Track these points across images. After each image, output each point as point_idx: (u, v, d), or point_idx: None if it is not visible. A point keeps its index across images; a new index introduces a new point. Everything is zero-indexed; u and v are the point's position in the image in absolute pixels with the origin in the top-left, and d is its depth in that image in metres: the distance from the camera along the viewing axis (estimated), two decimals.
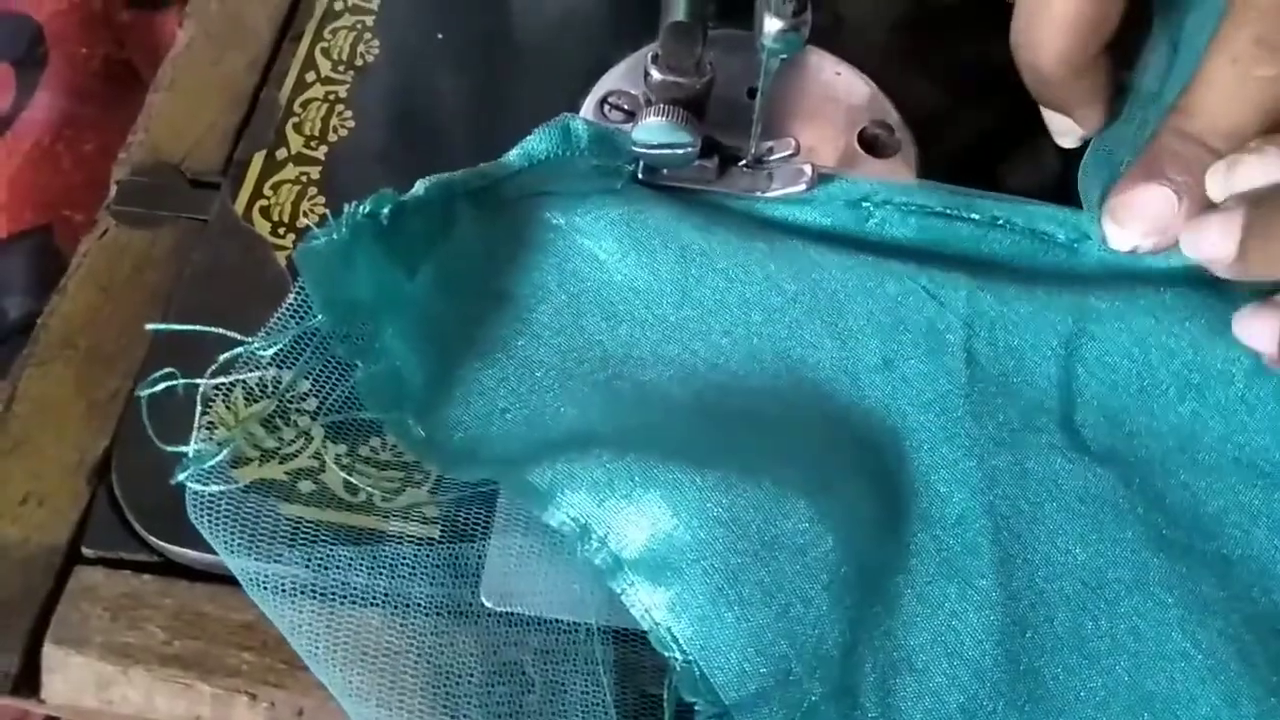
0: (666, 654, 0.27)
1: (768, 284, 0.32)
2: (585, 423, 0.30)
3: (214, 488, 0.27)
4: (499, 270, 0.33)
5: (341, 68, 0.39)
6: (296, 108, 0.38)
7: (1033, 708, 0.28)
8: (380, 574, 0.28)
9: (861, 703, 0.27)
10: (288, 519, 0.28)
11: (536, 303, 0.33)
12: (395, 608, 0.28)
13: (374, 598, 0.27)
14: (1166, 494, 0.31)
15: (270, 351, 0.28)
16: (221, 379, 0.28)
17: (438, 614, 0.28)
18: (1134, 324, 0.32)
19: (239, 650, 0.29)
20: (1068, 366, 0.32)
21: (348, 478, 0.29)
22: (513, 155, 0.33)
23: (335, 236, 0.28)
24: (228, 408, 0.30)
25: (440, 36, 0.40)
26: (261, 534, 0.28)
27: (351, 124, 0.37)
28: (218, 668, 0.29)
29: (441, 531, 0.29)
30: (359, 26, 0.40)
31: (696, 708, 0.26)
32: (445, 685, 0.27)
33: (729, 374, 0.32)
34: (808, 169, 0.34)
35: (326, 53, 0.39)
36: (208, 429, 0.29)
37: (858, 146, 0.37)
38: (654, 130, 0.32)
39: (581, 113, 0.37)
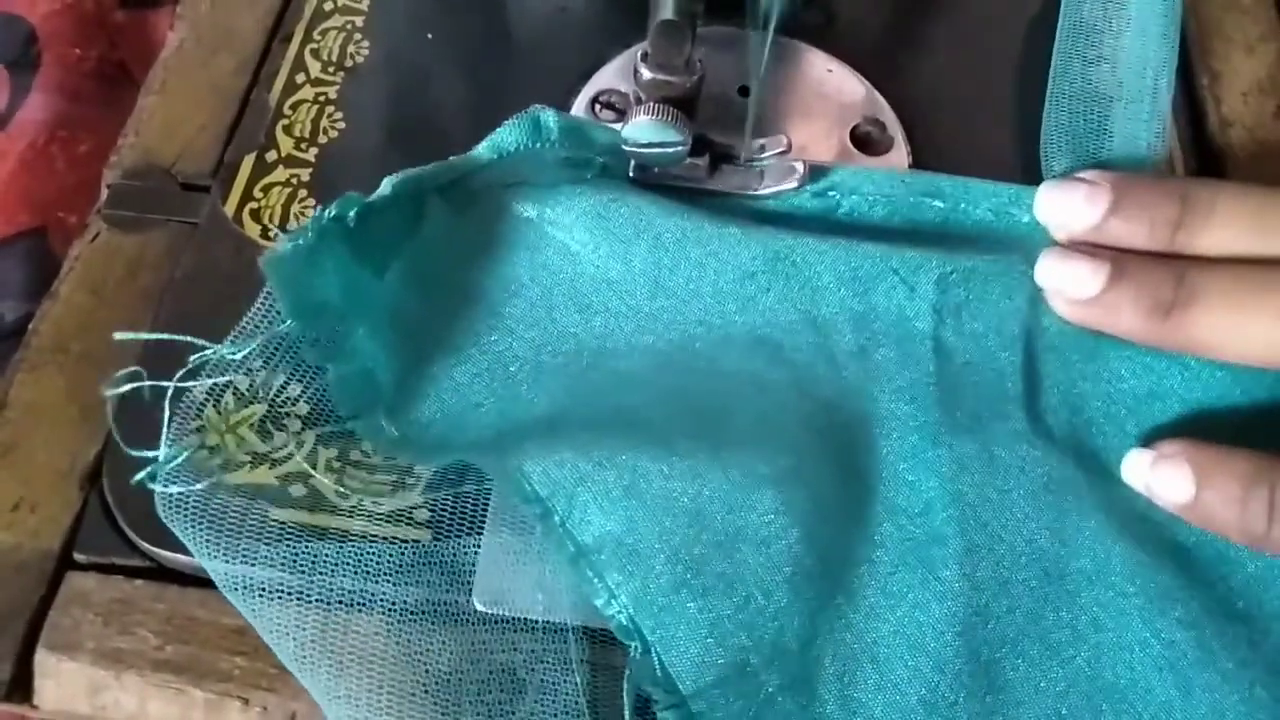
0: (628, 643, 0.27)
1: (741, 272, 0.32)
2: (558, 413, 0.30)
3: (176, 489, 0.27)
4: (470, 265, 0.33)
5: (331, 69, 0.39)
6: (286, 109, 0.37)
7: (993, 699, 0.28)
8: (368, 577, 0.28)
9: (820, 694, 0.27)
10: (274, 521, 0.28)
11: (509, 296, 0.32)
12: (385, 611, 0.27)
13: (363, 601, 0.27)
14: (1124, 482, 0.31)
15: (239, 356, 0.28)
16: (190, 383, 0.28)
17: (428, 617, 0.28)
18: None
19: (231, 655, 0.29)
20: (1031, 353, 0.32)
21: (338, 486, 0.29)
22: (482, 148, 0.33)
23: (301, 242, 0.28)
24: (218, 413, 0.31)
25: (430, 37, 0.40)
26: (244, 534, 0.28)
27: (341, 125, 0.37)
28: (210, 672, 0.29)
29: (434, 535, 0.29)
30: (348, 27, 0.40)
31: (655, 698, 0.26)
32: (438, 690, 0.27)
33: (704, 363, 0.32)
34: (799, 166, 0.34)
35: (316, 54, 0.39)
36: (197, 432, 0.29)
37: (850, 144, 0.37)
38: (644, 129, 0.32)
39: (573, 111, 0.37)
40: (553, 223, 0.33)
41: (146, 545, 0.30)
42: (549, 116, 0.33)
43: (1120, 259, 0.29)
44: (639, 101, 0.32)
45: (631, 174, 0.34)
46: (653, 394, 0.31)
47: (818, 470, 0.30)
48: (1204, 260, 0.28)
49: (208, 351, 0.28)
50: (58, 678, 0.29)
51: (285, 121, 0.37)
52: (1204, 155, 0.39)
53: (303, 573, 0.27)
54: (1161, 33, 0.33)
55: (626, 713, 0.26)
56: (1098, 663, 0.28)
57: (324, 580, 0.27)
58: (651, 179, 0.34)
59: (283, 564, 0.27)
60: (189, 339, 0.28)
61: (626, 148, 0.32)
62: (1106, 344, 0.31)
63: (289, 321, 0.28)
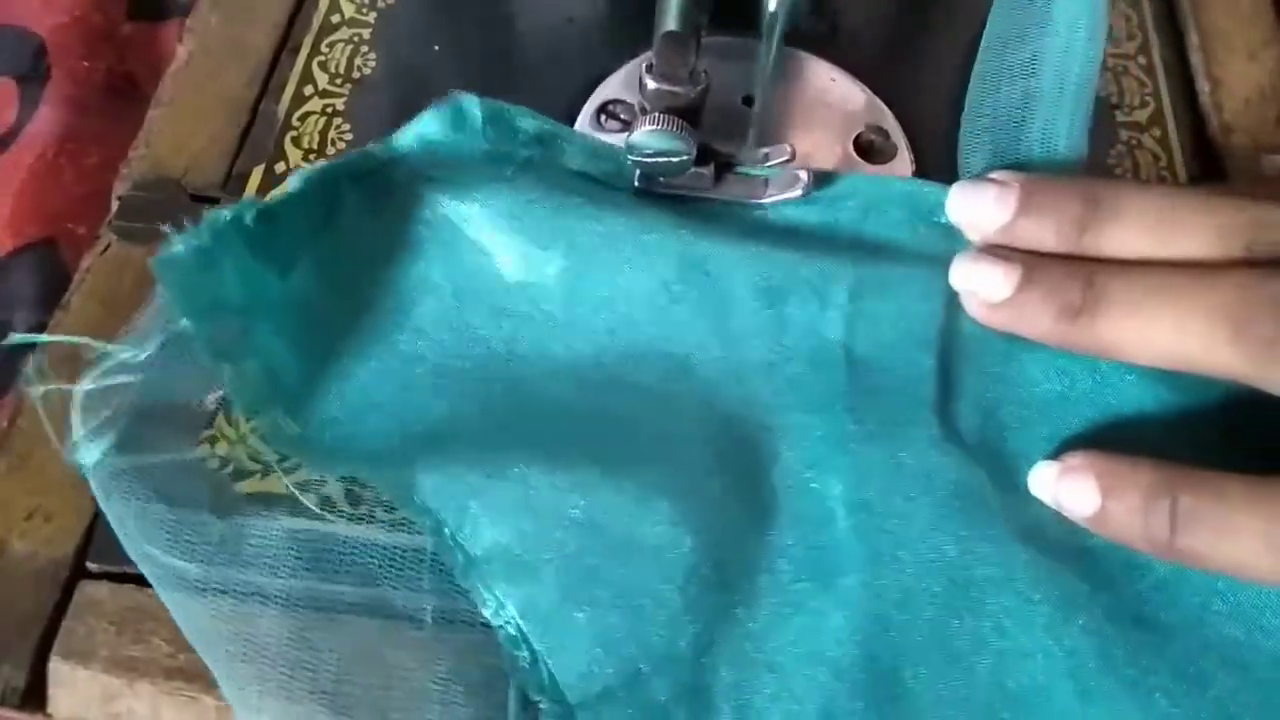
0: (515, 652, 0.27)
1: (655, 282, 0.32)
2: (456, 420, 0.30)
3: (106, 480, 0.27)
4: (383, 260, 0.32)
5: (339, 81, 0.39)
6: (294, 121, 0.38)
7: (892, 708, 0.27)
8: (366, 583, 0.28)
9: (717, 704, 0.27)
10: (280, 531, 0.28)
11: (420, 295, 0.32)
12: (387, 618, 0.28)
13: (363, 607, 0.28)
14: None
15: (143, 357, 0.28)
16: (87, 385, 0.28)
17: (431, 624, 0.28)
18: None
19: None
20: (946, 358, 0.32)
21: (349, 488, 0.30)
22: (402, 136, 0.33)
23: (195, 244, 0.28)
24: (229, 422, 0.31)
25: (436, 49, 0.40)
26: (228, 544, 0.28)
27: (349, 137, 0.38)
28: None
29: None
30: (355, 39, 0.40)
31: (541, 706, 0.26)
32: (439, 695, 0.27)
33: (611, 373, 0.32)
34: (804, 174, 0.34)
35: (324, 66, 0.39)
36: (209, 443, 0.30)
37: (853, 152, 0.37)
38: (650, 139, 0.32)
39: (579, 122, 0.37)
40: (469, 221, 0.32)
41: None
42: (472, 103, 0.33)
43: (1032, 262, 0.29)
44: (644, 112, 0.33)
45: (637, 183, 0.34)
46: (555, 404, 0.31)
47: (718, 481, 0.29)
48: (1115, 263, 0.28)
49: (107, 352, 0.28)
50: (71, 686, 0.29)
51: (294, 133, 0.38)
52: (1205, 162, 0.39)
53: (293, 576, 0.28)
54: (1087, 35, 0.33)
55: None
56: (999, 671, 0.28)
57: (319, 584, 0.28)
58: (656, 188, 0.35)
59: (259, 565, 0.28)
60: (87, 340, 0.28)
61: (632, 157, 0.33)
62: (1020, 347, 0.31)
63: (183, 323, 0.28)
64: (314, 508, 0.29)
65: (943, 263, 0.31)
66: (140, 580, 0.30)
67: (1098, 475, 0.28)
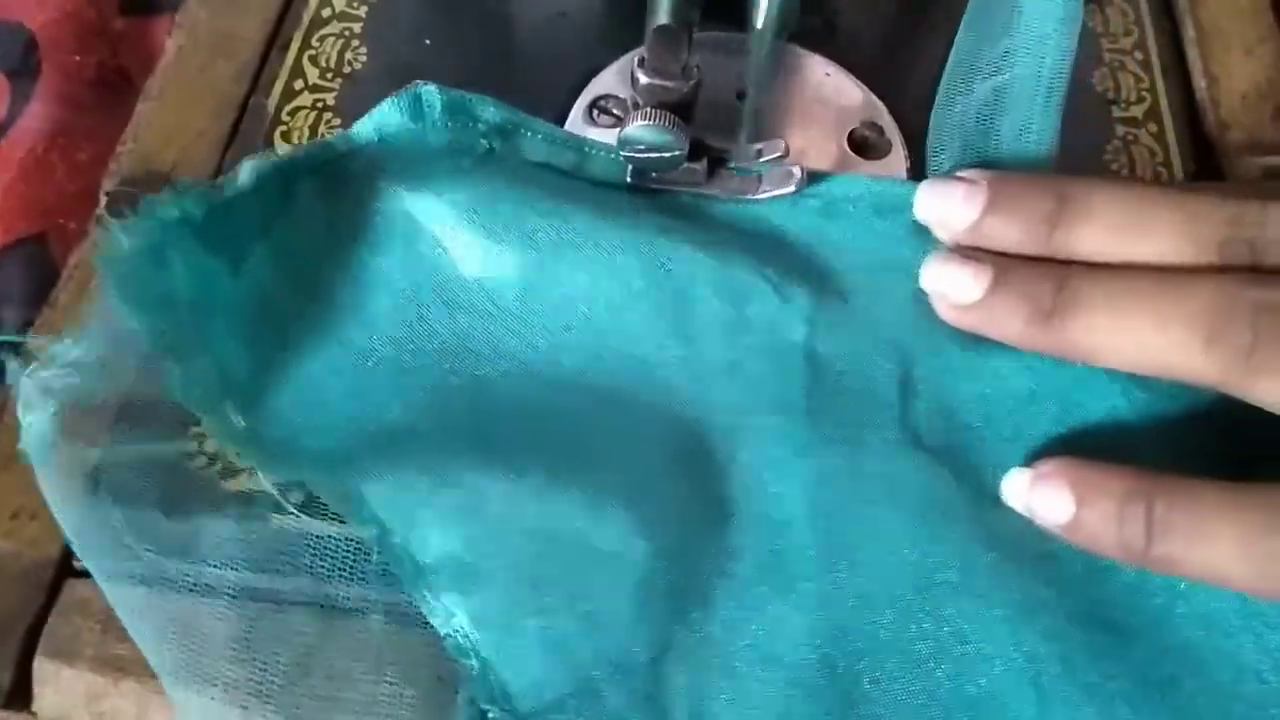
0: (463, 661, 0.26)
1: (614, 279, 0.31)
2: (409, 420, 0.30)
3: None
4: (339, 254, 0.32)
5: (329, 75, 0.39)
6: (284, 116, 0.38)
7: (850, 713, 0.27)
8: (317, 582, 0.28)
9: (672, 711, 0.27)
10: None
11: (376, 289, 0.32)
12: (336, 618, 0.28)
13: (313, 607, 0.28)
14: (998, 488, 0.30)
15: (90, 353, 0.27)
16: (29, 379, 0.28)
17: (381, 626, 0.28)
18: None
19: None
20: (909, 358, 0.32)
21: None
22: (360, 127, 0.32)
23: (141, 239, 0.27)
24: None
25: (428, 43, 0.40)
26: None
27: (340, 131, 0.37)
28: None
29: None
30: (346, 34, 0.40)
31: (490, 716, 0.26)
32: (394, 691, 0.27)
33: (568, 372, 0.31)
34: (797, 170, 0.34)
35: (314, 60, 0.39)
36: (195, 440, 0.30)
37: (848, 148, 0.36)
38: (642, 133, 0.32)
39: (571, 117, 0.37)
40: (427, 214, 0.32)
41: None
42: (431, 92, 0.32)
43: (1003, 264, 0.28)
44: (636, 107, 0.32)
45: (629, 179, 0.34)
46: (510, 403, 0.30)
47: (675, 484, 0.29)
48: (1087, 265, 0.28)
49: (54, 347, 0.27)
50: (57, 685, 0.29)
51: (284, 128, 0.37)
52: (1202, 157, 0.39)
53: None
54: (1060, 31, 0.32)
55: None
56: (958, 676, 0.28)
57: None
58: (649, 184, 0.34)
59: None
60: (25, 339, 0.28)
61: (624, 153, 0.32)
62: (985, 341, 0.31)
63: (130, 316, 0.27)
64: (290, 506, 0.29)
65: (907, 261, 0.31)
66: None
67: (1071, 483, 0.27)
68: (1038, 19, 0.32)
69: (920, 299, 0.31)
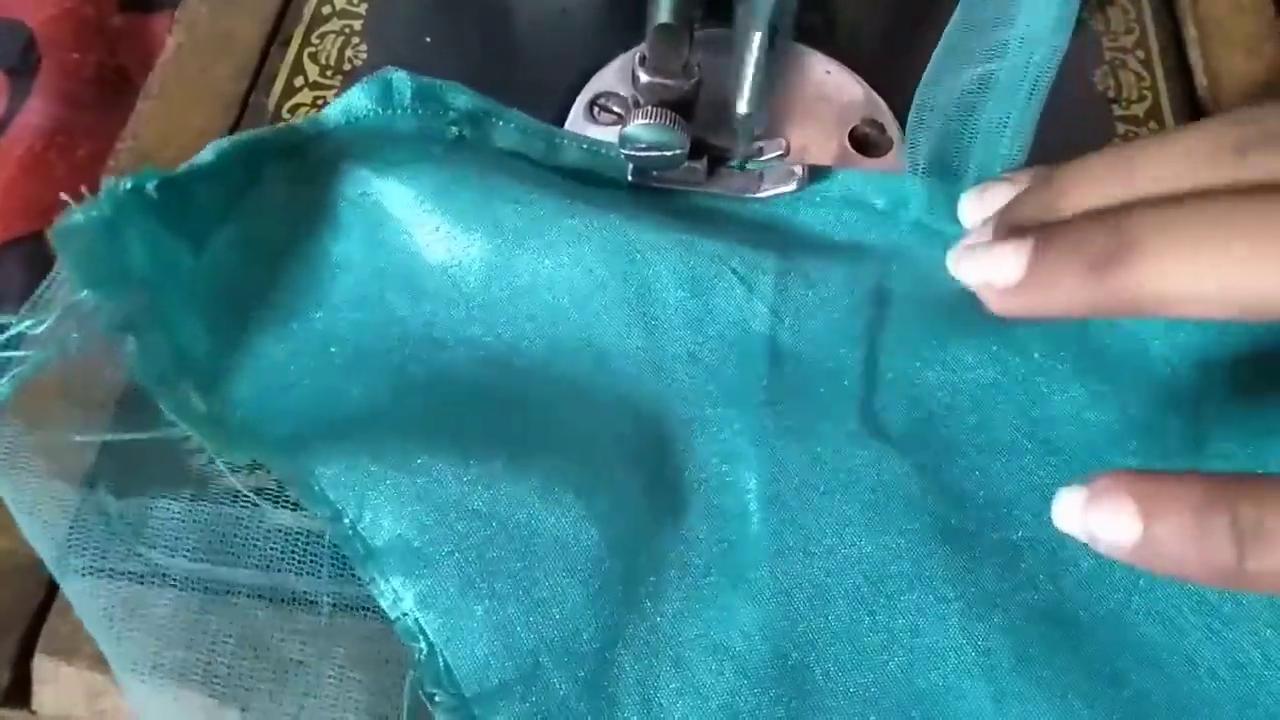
0: (412, 644, 0.27)
1: (578, 267, 0.31)
2: (367, 404, 0.30)
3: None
4: (303, 237, 0.32)
5: (329, 73, 0.39)
6: (285, 113, 0.38)
7: (799, 704, 0.27)
8: (267, 567, 0.28)
9: (619, 698, 0.27)
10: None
11: (340, 273, 0.32)
12: (285, 603, 0.28)
13: (262, 592, 0.28)
14: (959, 480, 0.30)
15: (40, 329, 0.27)
16: None
17: (329, 611, 0.28)
18: (934, 303, 0.31)
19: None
20: (873, 348, 0.31)
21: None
22: (330, 111, 0.32)
23: (95, 213, 0.27)
24: None
25: (428, 40, 0.40)
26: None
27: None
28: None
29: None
30: (346, 31, 0.40)
31: (436, 699, 0.26)
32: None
33: (529, 360, 0.31)
34: (798, 169, 0.34)
35: (315, 58, 0.39)
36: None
37: (849, 145, 0.36)
38: (642, 132, 0.32)
39: (571, 115, 0.37)
40: (393, 200, 0.32)
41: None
42: (401, 78, 0.32)
43: (1046, 226, 0.25)
44: (637, 105, 0.32)
45: (630, 177, 0.34)
46: (470, 390, 0.31)
47: (631, 473, 0.29)
48: (1145, 202, 0.23)
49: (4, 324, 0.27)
50: (56, 683, 0.29)
51: (284, 125, 0.37)
52: None
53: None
54: (1053, 30, 0.32)
55: (404, 714, 0.26)
56: (910, 668, 0.28)
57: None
58: (650, 182, 0.34)
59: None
60: None
61: (625, 151, 0.32)
62: (953, 331, 0.31)
63: (84, 294, 0.27)
64: (245, 489, 0.29)
65: (874, 250, 0.31)
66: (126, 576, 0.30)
67: (1135, 496, 0.23)
68: (1033, 15, 0.32)
69: (891, 289, 0.31)
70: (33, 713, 0.29)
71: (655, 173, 0.34)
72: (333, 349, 0.31)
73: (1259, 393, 0.31)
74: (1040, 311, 0.25)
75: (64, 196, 0.27)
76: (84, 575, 0.27)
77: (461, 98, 0.33)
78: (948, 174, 0.33)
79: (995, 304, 0.25)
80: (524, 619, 0.27)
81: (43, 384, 0.27)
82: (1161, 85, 0.40)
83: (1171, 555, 0.22)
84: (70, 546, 0.27)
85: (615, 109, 0.37)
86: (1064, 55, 0.32)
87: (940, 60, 0.34)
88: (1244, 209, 0.22)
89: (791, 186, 0.34)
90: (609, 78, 0.38)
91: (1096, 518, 0.23)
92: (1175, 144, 0.24)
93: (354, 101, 0.32)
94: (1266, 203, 0.21)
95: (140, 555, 0.28)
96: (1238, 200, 0.22)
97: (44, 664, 0.29)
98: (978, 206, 0.29)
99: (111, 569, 0.27)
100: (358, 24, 0.40)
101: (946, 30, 0.34)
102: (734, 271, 0.32)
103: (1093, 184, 0.25)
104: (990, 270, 0.25)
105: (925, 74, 0.34)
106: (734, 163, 0.34)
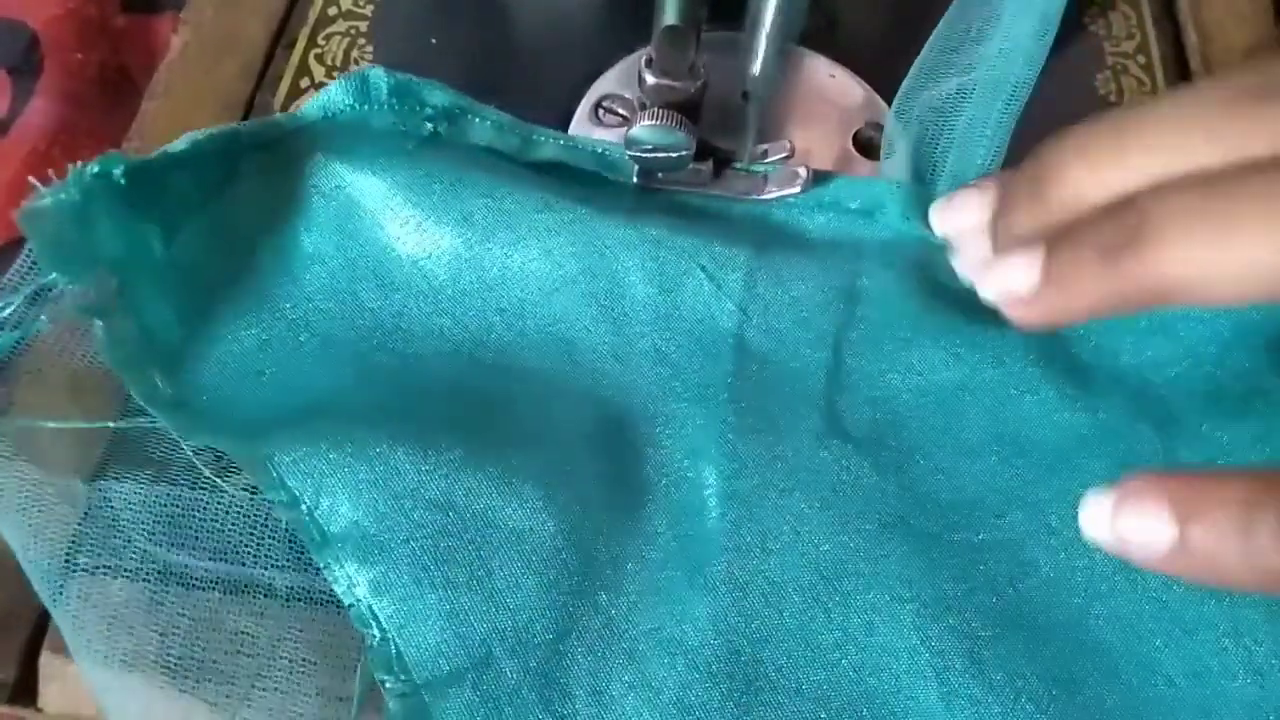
0: (365, 630, 0.27)
1: (547, 262, 0.32)
2: (333, 393, 0.30)
3: None
4: (276, 228, 0.32)
5: (335, 74, 0.39)
6: None
7: (750, 699, 0.27)
8: (223, 552, 0.28)
9: (571, 689, 0.27)
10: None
11: (311, 264, 0.32)
12: (240, 588, 0.28)
13: (218, 576, 0.28)
14: (922, 480, 0.30)
15: (8, 311, 0.27)
16: None
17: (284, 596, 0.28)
18: (905, 305, 0.32)
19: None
20: (840, 348, 0.32)
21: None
22: (308, 107, 0.33)
23: (64, 196, 0.27)
24: None
25: (434, 42, 0.40)
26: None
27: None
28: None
29: None
30: (352, 32, 0.40)
31: (387, 685, 0.26)
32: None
33: (496, 353, 0.32)
34: (803, 171, 0.34)
35: (320, 59, 0.39)
36: None
37: (853, 148, 0.37)
38: (648, 134, 0.32)
39: (576, 117, 0.37)
40: (366, 193, 0.32)
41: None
42: (378, 74, 0.33)
43: (1056, 231, 0.23)
44: (643, 107, 0.32)
45: (636, 179, 0.34)
46: (436, 382, 0.31)
47: (593, 467, 0.29)
48: (1156, 187, 0.22)
49: None
50: (62, 680, 0.29)
51: (262, 119, 0.37)
52: None
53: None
54: (1032, 45, 0.32)
55: (355, 700, 0.26)
56: (862, 668, 0.28)
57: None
58: (655, 184, 0.34)
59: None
60: None
61: (631, 152, 0.33)
62: (923, 333, 0.31)
63: (52, 276, 0.28)
64: (208, 473, 0.29)
65: (849, 251, 0.31)
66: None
67: (1170, 497, 0.21)
68: (1015, 29, 0.32)
69: (864, 291, 0.31)
70: (39, 710, 0.29)
71: (660, 174, 0.34)
72: (303, 338, 0.31)
73: (1231, 407, 0.31)
74: (1066, 314, 0.23)
75: (31, 180, 0.27)
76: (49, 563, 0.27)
77: (438, 94, 0.33)
78: (924, 179, 0.34)
79: (1019, 317, 0.24)
80: (477, 608, 0.27)
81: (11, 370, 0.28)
82: (1162, 89, 0.41)
83: (1211, 559, 0.21)
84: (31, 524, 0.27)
85: (620, 111, 0.37)
86: (1064, 60, 0.32)
87: (920, 68, 0.34)
88: (1256, 186, 0.20)
89: (796, 189, 0.34)
90: (613, 80, 0.38)
91: (1127, 522, 0.22)
92: (1163, 115, 0.22)
93: (332, 97, 0.33)
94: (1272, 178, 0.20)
95: (103, 540, 0.28)
96: (1248, 176, 0.20)
97: (50, 661, 0.29)
98: (947, 214, 0.29)
99: (75, 550, 0.28)
100: (363, 25, 0.40)
101: (929, 41, 0.35)
102: (703, 269, 0.32)
103: (1087, 169, 0.23)
104: (1007, 280, 0.23)
105: (906, 81, 0.34)
106: (739, 165, 0.35)
